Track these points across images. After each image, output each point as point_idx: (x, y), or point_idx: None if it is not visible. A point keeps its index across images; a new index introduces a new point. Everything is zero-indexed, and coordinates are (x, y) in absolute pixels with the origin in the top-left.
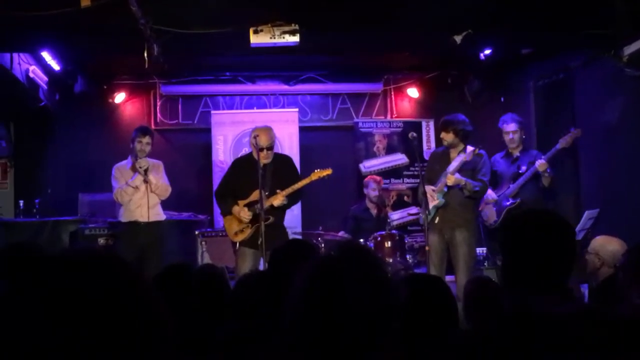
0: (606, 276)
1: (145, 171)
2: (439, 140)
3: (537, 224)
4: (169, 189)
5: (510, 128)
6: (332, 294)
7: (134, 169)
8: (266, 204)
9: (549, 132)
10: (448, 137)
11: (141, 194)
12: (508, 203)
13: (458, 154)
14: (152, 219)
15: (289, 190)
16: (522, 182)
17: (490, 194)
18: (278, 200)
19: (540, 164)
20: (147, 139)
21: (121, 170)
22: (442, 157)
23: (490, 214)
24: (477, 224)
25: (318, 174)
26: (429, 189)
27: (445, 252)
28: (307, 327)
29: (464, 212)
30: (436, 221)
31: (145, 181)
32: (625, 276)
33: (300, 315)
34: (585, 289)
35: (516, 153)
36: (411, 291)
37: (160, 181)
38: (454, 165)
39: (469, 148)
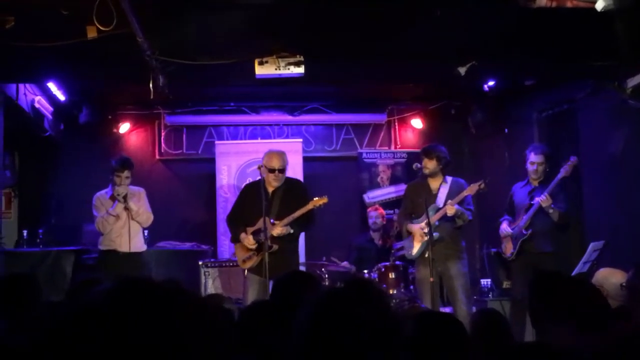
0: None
1: (125, 198)
2: None
3: None
4: (151, 217)
5: (536, 159)
6: (339, 326)
7: (114, 198)
8: (269, 233)
9: (552, 164)
10: (431, 165)
11: (122, 223)
12: (522, 235)
13: (440, 184)
14: (133, 249)
15: (287, 220)
16: (532, 214)
17: (505, 227)
18: (277, 230)
19: (543, 199)
20: (126, 173)
21: (101, 200)
22: (423, 188)
23: (507, 246)
24: (466, 254)
25: (314, 202)
26: (418, 226)
27: (439, 284)
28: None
29: (454, 243)
30: (426, 255)
31: (126, 208)
32: (631, 295)
33: (307, 347)
34: None
35: (535, 184)
36: (425, 329)
37: (141, 208)
38: (441, 197)
39: (449, 178)
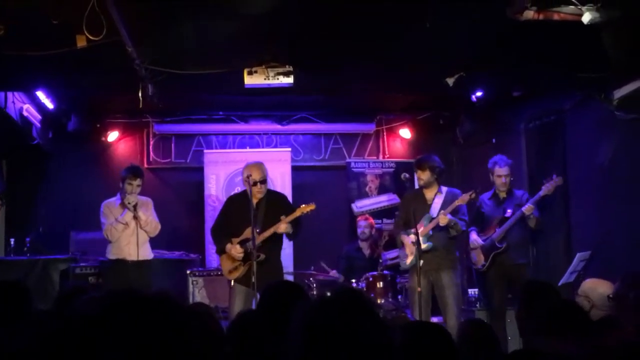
0: (597, 319)
1: (135, 207)
2: None
3: None
4: (159, 226)
5: (502, 172)
6: (334, 335)
7: (123, 206)
8: (258, 241)
9: (539, 174)
10: (424, 176)
11: (131, 231)
12: (495, 247)
13: (435, 194)
14: (141, 257)
15: (291, 217)
16: (508, 226)
17: (476, 238)
18: (282, 227)
19: (527, 207)
20: (138, 182)
21: (110, 207)
22: (418, 199)
23: (478, 258)
24: (460, 264)
25: (301, 209)
26: (408, 239)
27: (430, 294)
28: None
29: (448, 253)
30: (420, 264)
31: (135, 217)
32: (618, 305)
33: (305, 354)
34: None
35: (503, 195)
36: (413, 340)
37: (150, 217)
38: (436, 207)
39: (444, 188)
